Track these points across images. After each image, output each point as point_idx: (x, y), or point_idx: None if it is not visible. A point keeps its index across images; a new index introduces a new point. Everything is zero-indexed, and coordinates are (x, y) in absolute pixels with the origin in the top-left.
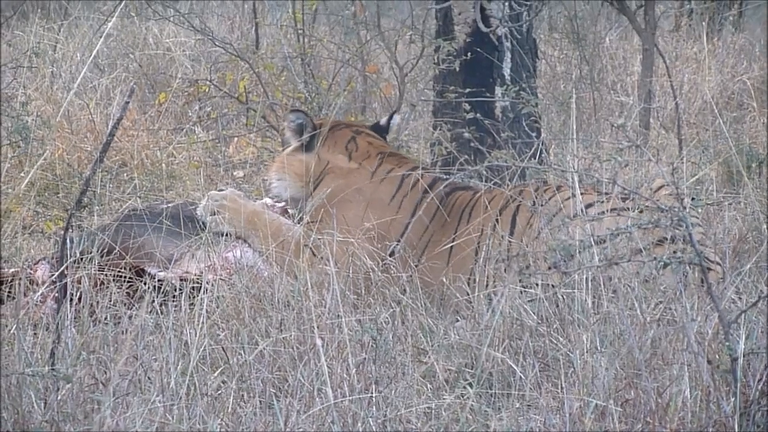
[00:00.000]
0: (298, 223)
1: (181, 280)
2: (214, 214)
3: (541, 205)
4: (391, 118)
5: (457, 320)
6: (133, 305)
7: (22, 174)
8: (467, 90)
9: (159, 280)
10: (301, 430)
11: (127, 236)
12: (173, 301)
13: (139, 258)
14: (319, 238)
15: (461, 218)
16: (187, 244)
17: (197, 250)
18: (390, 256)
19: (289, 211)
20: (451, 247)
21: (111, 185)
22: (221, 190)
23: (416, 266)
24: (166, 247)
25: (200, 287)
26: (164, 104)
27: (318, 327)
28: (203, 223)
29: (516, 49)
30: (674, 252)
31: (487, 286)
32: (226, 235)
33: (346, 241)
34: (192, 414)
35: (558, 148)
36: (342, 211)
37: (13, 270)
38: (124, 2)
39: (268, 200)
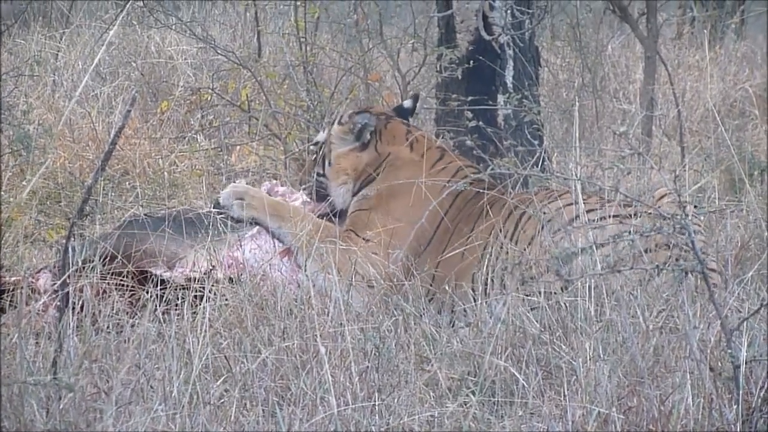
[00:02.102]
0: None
1: (187, 279)
2: (240, 200)
3: (544, 213)
4: (416, 102)
5: (461, 328)
6: (136, 314)
7: (23, 183)
8: (469, 98)
9: (164, 281)
10: None
11: (130, 239)
12: (176, 309)
13: (143, 260)
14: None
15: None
16: (191, 242)
17: (202, 249)
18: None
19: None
20: (462, 252)
21: (113, 194)
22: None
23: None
24: (170, 246)
25: (204, 293)
26: (166, 113)
27: (321, 335)
28: (223, 209)
29: (518, 57)
30: (676, 259)
31: (485, 292)
32: (249, 222)
33: (383, 236)
34: (195, 423)
35: (560, 155)
36: (393, 203)
37: (14, 279)
38: (125, 10)
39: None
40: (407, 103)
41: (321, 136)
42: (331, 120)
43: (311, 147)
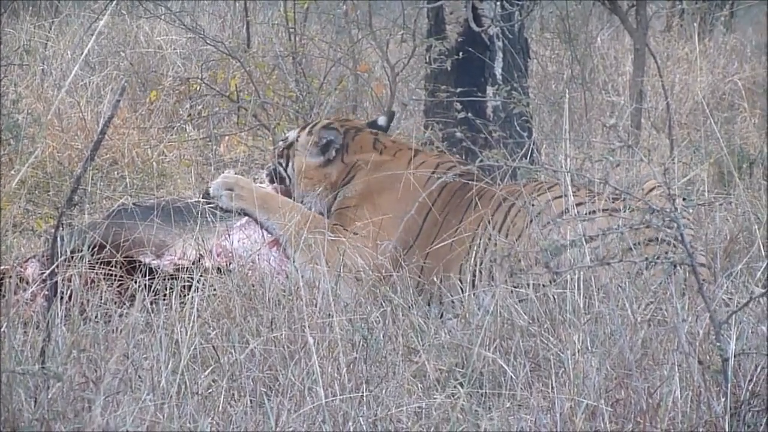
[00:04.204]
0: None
1: (176, 269)
2: (229, 190)
3: (533, 205)
4: (390, 119)
5: (450, 318)
6: (124, 303)
7: (12, 172)
8: (458, 89)
9: (152, 271)
10: (291, 429)
11: (119, 228)
12: (164, 299)
13: (132, 249)
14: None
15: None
16: (180, 231)
17: (191, 237)
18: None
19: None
20: (451, 243)
21: (102, 183)
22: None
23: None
24: (158, 235)
25: (193, 281)
26: (155, 102)
27: (309, 326)
28: (213, 200)
29: (507, 49)
30: (665, 253)
31: (474, 284)
32: (238, 213)
33: (375, 230)
34: (182, 413)
35: (549, 147)
36: (377, 199)
37: (3, 268)
38: (115, 0)
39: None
40: (381, 120)
41: (292, 134)
42: (307, 123)
43: (280, 142)
